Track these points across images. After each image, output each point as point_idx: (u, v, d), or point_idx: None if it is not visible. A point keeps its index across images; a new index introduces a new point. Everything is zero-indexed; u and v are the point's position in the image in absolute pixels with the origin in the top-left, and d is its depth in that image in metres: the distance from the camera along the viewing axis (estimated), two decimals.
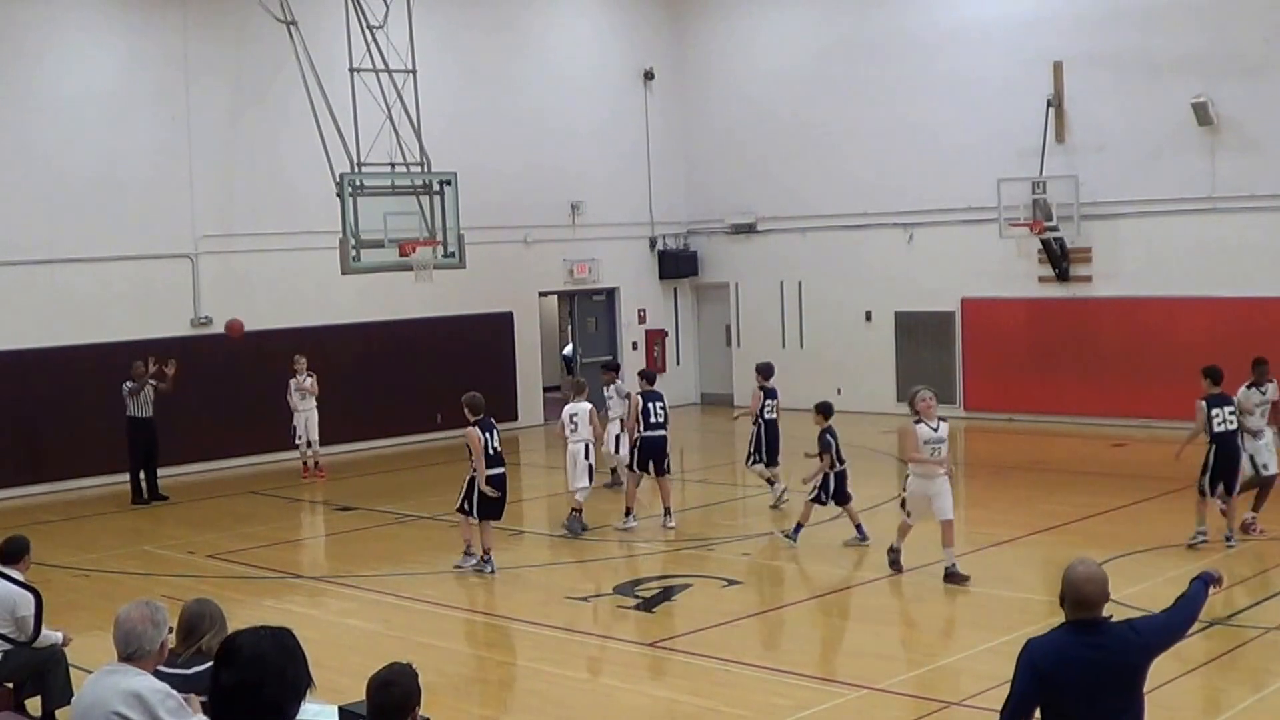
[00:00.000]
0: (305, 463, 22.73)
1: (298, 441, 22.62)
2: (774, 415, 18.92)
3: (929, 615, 13.22)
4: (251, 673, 4.76)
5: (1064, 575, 6.24)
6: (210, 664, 6.43)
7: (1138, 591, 13.39)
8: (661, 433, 17.72)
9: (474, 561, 15.67)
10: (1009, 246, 25.46)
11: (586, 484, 17.66)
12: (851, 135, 27.72)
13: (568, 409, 17.84)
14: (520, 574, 16.45)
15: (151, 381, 20.62)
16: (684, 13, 30.50)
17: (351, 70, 21.79)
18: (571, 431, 17.57)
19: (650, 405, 17.80)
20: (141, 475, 20.86)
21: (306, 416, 22.53)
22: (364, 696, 5.77)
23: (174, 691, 6.15)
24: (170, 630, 6.51)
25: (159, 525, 19.77)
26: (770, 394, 18.98)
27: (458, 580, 15.38)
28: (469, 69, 26.90)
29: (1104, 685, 6.07)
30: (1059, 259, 25.19)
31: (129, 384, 20.56)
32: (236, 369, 23.79)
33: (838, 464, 16.50)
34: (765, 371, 19.27)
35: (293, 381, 22.50)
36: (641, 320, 30.33)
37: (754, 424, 18.91)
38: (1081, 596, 6.16)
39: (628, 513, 17.79)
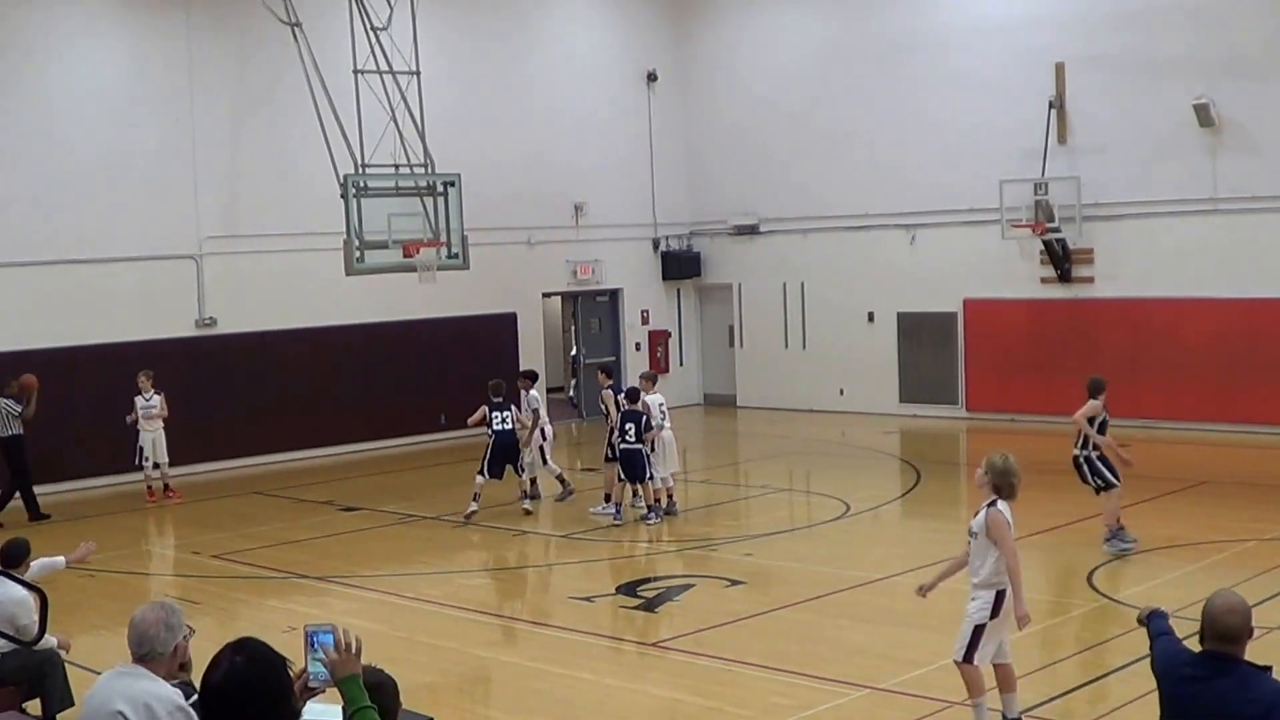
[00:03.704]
0: (150, 486, 20.87)
1: (143, 463, 20.70)
2: (506, 426, 18.77)
3: (931, 615, 13.22)
4: (244, 706, 4.87)
5: (1204, 607, 5.88)
6: (179, 679, 6.46)
7: (1139, 592, 13.46)
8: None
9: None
10: (1011, 247, 25.50)
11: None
12: (854, 137, 27.75)
13: (652, 399, 18.46)
14: (523, 574, 16.52)
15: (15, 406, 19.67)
16: (687, 14, 30.54)
17: (355, 72, 21.83)
18: (663, 419, 18.42)
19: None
20: (18, 494, 19.88)
21: (154, 437, 20.60)
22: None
23: (184, 704, 6.11)
24: (186, 636, 6.43)
25: (163, 525, 19.84)
26: (501, 408, 18.87)
27: (461, 580, 15.44)
28: (472, 70, 26.94)
29: None
30: (1061, 260, 25.22)
31: (12, 402, 19.63)
32: (240, 370, 23.86)
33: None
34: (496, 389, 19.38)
35: (138, 400, 20.58)
36: (645, 321, 30.38)
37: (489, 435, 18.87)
38: (1221, 629, 5.77)
39: (607, 497, 18.62)
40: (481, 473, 18.64)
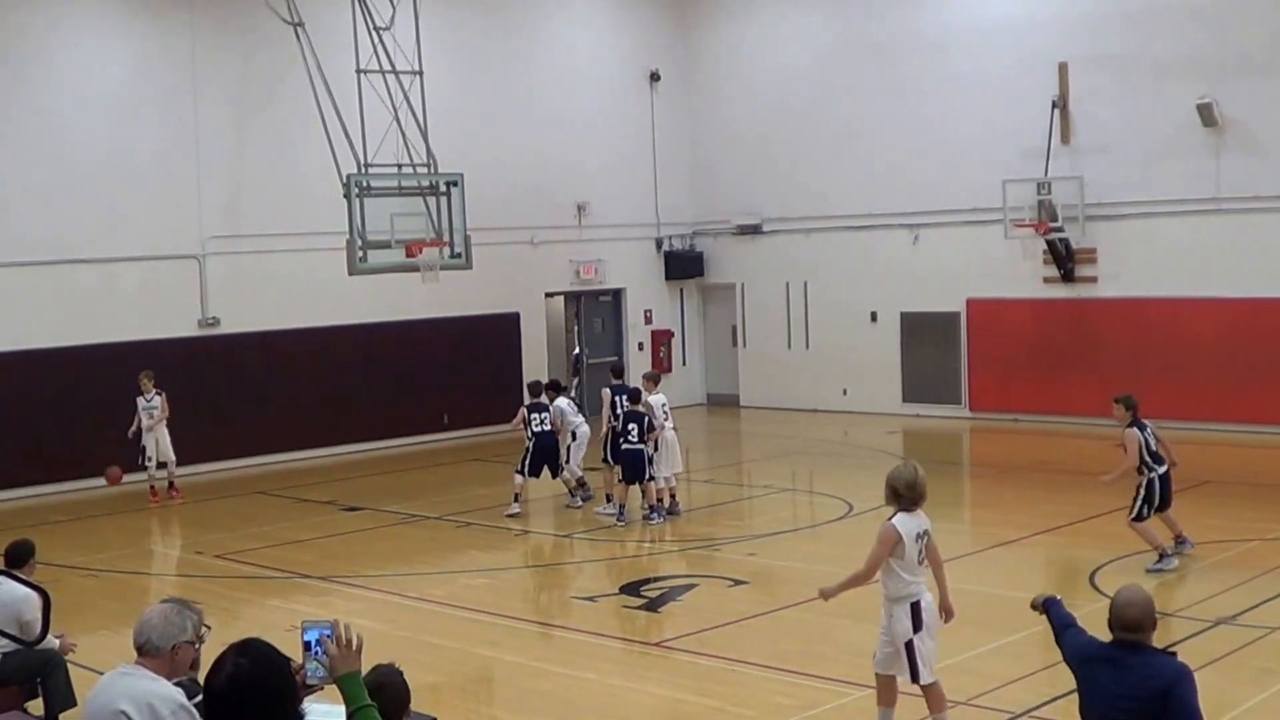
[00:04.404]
0: (153, 486, 20.80)
1: (146, 463, 20.59)
2: (545, 428, 19.05)
3: None
4: (248, 707, 4.86)
5: (1111, 601, 6.49)
6: (185, 677, 6.45)
7: None
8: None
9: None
10: (1014, 247, 25.46)
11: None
12: (857, 136, 27.74)
13: (655, 399, 18.51)
14: (526, 574, 16.52)
15: None
16: (690, 14, 30.54)
17: (358, 71, 21.82)
18: (665, 419, 18.39)
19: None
20: None
21: (157, 437, 20.52)
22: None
23: (186, 702, 6.10)
24: (196, 643, 6.39)
25: (167, 525, 19.85)
26: (539, 409, 19.19)
27: (464, 580, 15.44)
28: (475, 70, 26.94)
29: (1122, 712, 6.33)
30: (1064, 259, 25.21)
31: None
32: (243, 370, 23.88)
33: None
34: (534, 390, 19.76)
35: (140, 400, 20.51)
36: (648, 321, 30.38)
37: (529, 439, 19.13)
38: (1124, 620, 6.38)
39: (609, 497, 18.63)
40: (521, 472, 18.92)
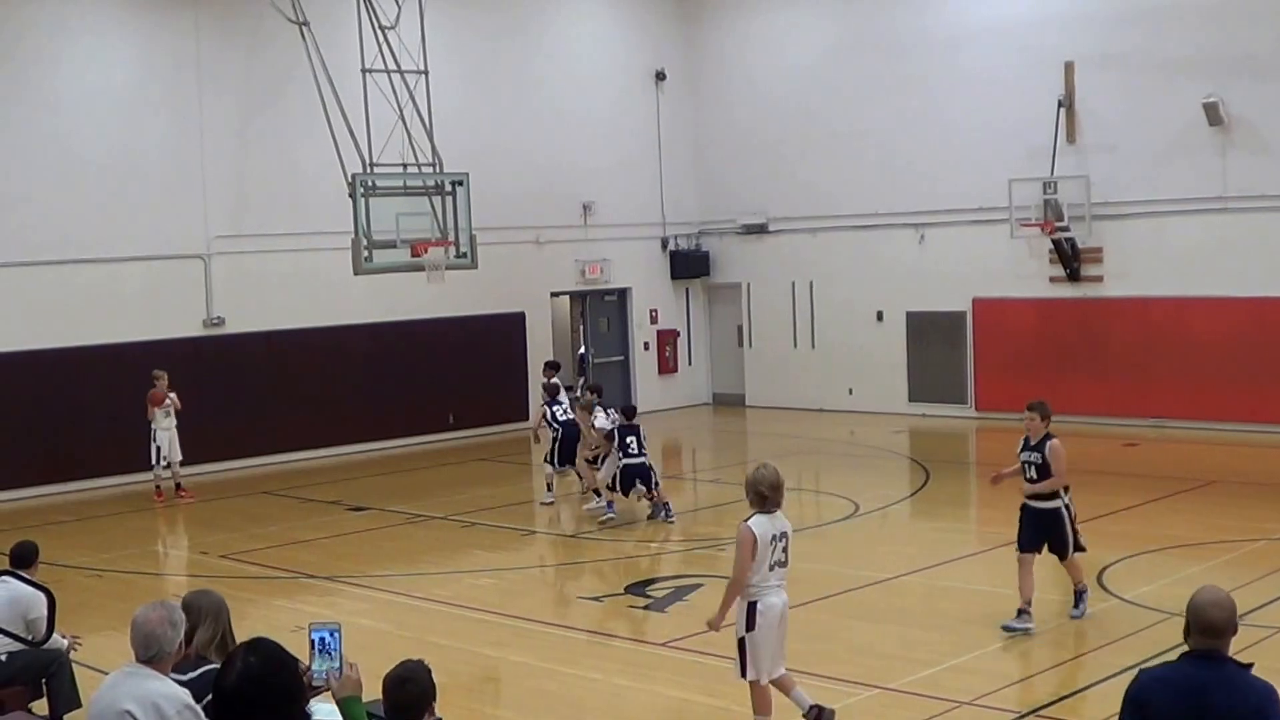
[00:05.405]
0: (159, 486, 20.79)
1: (161, 460, 20.54)
2: (569, 416, 19.46)
3: (939, 615, 13.22)
4: (257, 705, 5.00)
5: (1189, 602, 5.79)
6: (207, 668, 6.50)
7: (1149, 591, 13.41)
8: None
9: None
10: (1020, 246, 25.44)
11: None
12: (862, 135, 27.71)
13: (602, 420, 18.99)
14: (532, 574, 16.50)
15: None
16: (695, 13, 30.52)
17: (363, 71, 21.83)
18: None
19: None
20: None
21: (170, 436, 20.47)
22: (379, 695, 5.84)
23: (191, 702, 6.11)
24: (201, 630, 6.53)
25: (172, 525, 19.85)
26: (559, 402, 19.67)
27: (469, 580, 15.43)
28: (480, 69, 26.93)
29: None
30: (1070, 259, 25.17)
31: None
32: (248, 370, 23.88)
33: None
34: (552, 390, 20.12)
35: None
36: (653, 320, 30.35)
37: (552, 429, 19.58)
38: (1206, 622, 5.68)
39: (597, 494, 18.78)
40: (550, 462, 19.33)
